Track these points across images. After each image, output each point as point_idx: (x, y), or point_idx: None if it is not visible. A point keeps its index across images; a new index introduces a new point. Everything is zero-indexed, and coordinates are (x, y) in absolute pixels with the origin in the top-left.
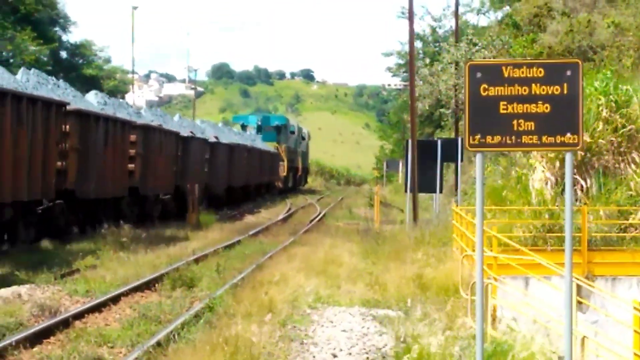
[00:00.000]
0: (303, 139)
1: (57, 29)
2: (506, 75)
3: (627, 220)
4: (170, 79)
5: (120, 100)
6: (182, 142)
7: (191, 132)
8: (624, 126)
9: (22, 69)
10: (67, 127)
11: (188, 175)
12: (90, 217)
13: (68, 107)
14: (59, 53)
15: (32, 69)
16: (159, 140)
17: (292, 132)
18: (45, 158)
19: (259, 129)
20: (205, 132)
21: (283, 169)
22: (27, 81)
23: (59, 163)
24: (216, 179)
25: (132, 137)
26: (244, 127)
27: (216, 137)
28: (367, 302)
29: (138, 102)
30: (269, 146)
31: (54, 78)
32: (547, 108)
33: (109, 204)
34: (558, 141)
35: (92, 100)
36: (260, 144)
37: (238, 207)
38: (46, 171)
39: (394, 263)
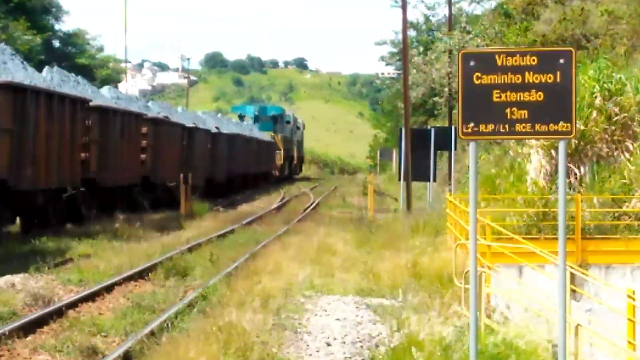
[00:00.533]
0: (298, 128)
1: (49, 18)
2: (499, 63)
3: (621, 208)
4: (163, 68)
5: (130, 94)
6: (187, 133)
7: (194, 123)
8: (617, 115)
9: (46, 67)
10: (90, 121)
11: (192, 164)
12: (107, 203)
13: (91, 103)
14: (52, 42)
15: (55, 67)
16: (167, 131)
17: (288, 122)
18: (72, 149)
19: (256, 119)
20: (206, 123)
21: (279, 158)
22: (51, 79)
23: (82, 154)
24: (217, 168)
25: (144, 129)
26: (241, 117)
27: (217, 128)
28: (361, 290)
29: (131, 91)
30: (266, 136)
31: (73, 75)
32: (540, 96)
33: (124, 191)
34: (551, 129)
35: (107, 95)
36: (257, 133)
37: (237, 195)
38: (73, 161)
39: (387, 252)
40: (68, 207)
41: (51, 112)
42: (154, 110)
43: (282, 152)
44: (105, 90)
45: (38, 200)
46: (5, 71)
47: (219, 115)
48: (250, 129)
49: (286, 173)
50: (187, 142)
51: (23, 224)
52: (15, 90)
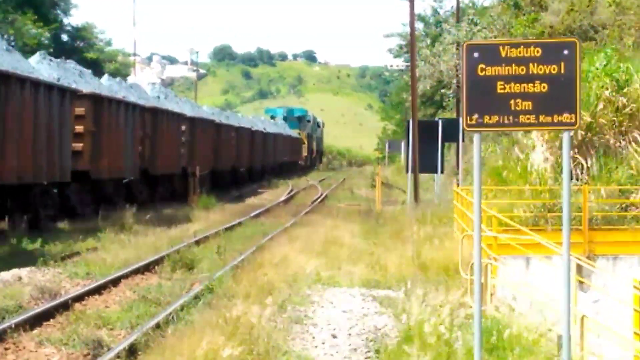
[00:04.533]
0: (318, 126)
1: (58, 11)
2: (503, 55)
3: (628, 199)
4: (172, 61)
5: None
6: (236, 132)
7: (252, 126)
8: (625, 105)
9: (105, 76)
10: (145, 121)
11: (222, 156)
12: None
13: (147, 105)
14: (60, 36)
15: (117, 78)
16: (226, 132)
17: (309, 121)
18: (132, 144)
19: (285, 119)
20: (256, 124)
21: (304, 150)
22: (110, 85)
23: (139, 147)
24: (256, 159)
25: (183, 127)
26: (272, 117)
27: (264, 128)
28: (368, 282)
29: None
30: (294, 133)
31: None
32: (544, 87)
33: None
34: (555, 121)
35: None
36: (289, 131)
37: (274, 178)
38: (133, 154)
39: (394, 243)
40: (127, 193)
41: (118, 115)
42: (216, 116)
43: (306, 145)
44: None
45: (108, 188)
46: (84, 82)
47: (262, 118)
48: (283, 128)
49: (309, 163)
50: (237, 140)
51: (96, 208)
52: (96, 99)
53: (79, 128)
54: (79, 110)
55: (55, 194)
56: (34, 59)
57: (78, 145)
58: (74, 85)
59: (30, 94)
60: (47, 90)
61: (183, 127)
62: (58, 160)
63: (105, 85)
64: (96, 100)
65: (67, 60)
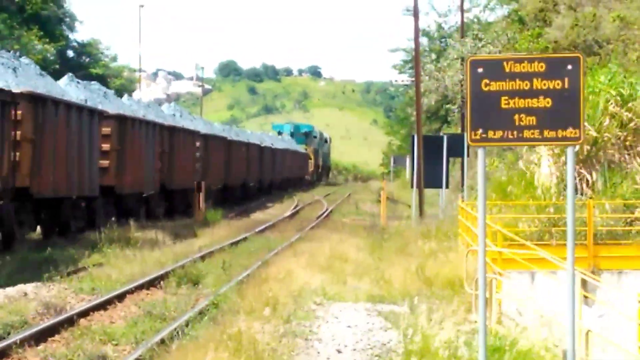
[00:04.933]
0: (326, 142)
1: (63, 27)
2: (507, 70)
3: (633, 213)
4: (177, 76)
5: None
6: (246, 148)
7: (260, 142)
8: (630, 120)
9: (125, 96)
10: (163, 138)
11: (233, 171)
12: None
13: (165, 124)
14: (66, 52)
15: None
16: (238, 148)
17: (315, 137)
18: (153, 161)
19: (292, 135)
20: (264, 141)
21: (311, 165)
22: (130, 104)
23: (159, 163)
24: (265, 174)
25: (198, 144)
26: (280, 133)
27: (272, 144)
28: (373, 297)
29: (145, 100)
30: (301, 148)
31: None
32: (548, 102)
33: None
34: (559, 135)
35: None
36: (296, 146)
37: (276, 194)
38: (153, 170)
39: (399, 258)
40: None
41: (140, 133)
42: (217, 129)
43: (312, 160)
44: (165, 107)
45: (129, 202)
46: (108, 102)
47: (270, 134)
48: (290, 143)
49: (315, 178)
50: (247, 155)
51: (118, 219)
52: (121, 119)
53: (105, 146)
54: (106, 130)
55: (84, 207)
56: (63, 82)
57: (104, 163)
58: (99, 106)
59: (64, 115)
60: (78, 112)
61: (197, 144)
62: (87, 176)
63: (127, 105)
64: (121, 120)
65: (92, 82)
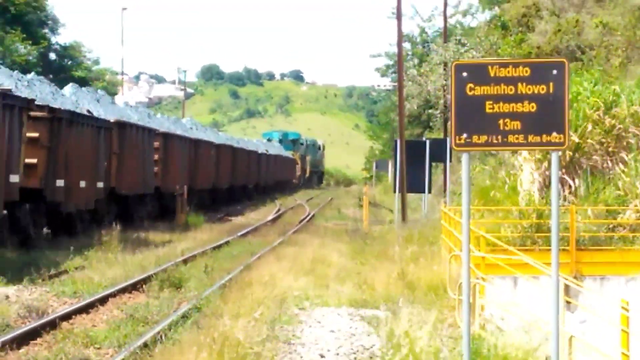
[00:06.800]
0: (319, 149)
1: (46, 30)
2: (492, 74)
3: (616, 219)
4: (160, 80)
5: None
6: (243, 154)
7: (256, 148)
8: (613, 126)
9: (123, 103)
10: (157, 143)
11: (238, 174)
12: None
13: (159, 130)
14: (48, 55)
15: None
16: (241, 154)
17: (302, 144)
18: (151, 165)
19: (280, 142)
20: (259, 147)
21: (298, 170)
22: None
23: (155, 168)
24: (261, 177)
25: (212, 152)
26: (269, 140)
27: (266, 150)
28: (355, 302)
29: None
30: (289, 154)
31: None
32: (533, 107)
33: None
34: (544, 140)
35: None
36: (284, 152)
37: (269, 195)
38: (148, 174)
39: (382, 263)
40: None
41: (137, 139)
42: (223, 138)
43: (299, 165)
44: (186, 121)
45: (129, 203)
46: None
47: (265, 141)
48: (279, 149)
49: (301, 182)
50: (238, 159)
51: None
52: (121, 125)
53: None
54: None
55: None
56: (67, 91)
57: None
58: (103, 115)
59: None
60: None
61: (212, 152)
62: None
63: (123, 111)
64: (120, 126)
65: (98, 90)
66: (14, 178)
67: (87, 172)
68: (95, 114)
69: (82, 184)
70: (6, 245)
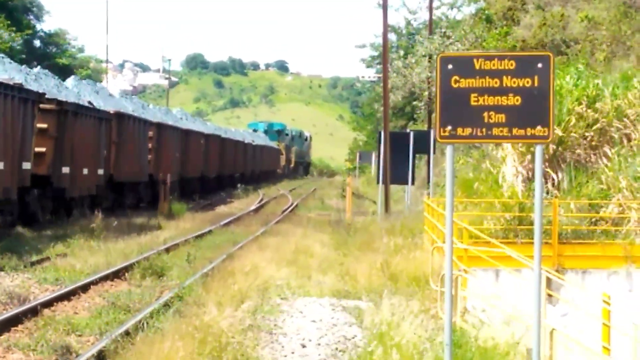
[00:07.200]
0: (305, 140)
1: (30, 17)
2: (477, 67)
3: (598, 213)
4: (144, 68)
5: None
6: (242, 145)
7: (243, 138)
8: (596, 120)
9: (119, 93)
10: (152, 133)
11: (226, 164)
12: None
13: (155, 121)
14: (33, 42)
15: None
16: (229, 145)
17: (287, 135)
18: (146, 154)
19: (266, 132)
20: (246, 137)
21: (282, 160)
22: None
23: (149, 157)
24: (247, 166)
25: (202, 142)
26: (255, 130)
27: (252, 140)
28: (338, 292)
29: (112, 91)
30: (274, 144)
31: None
32: (517, 100)
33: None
34: (528, 134)
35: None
36: (269, 142)
37: (254, 184)
38: (144, 162)
39: (364, 254)
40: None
41: (134, 129)
42: (211, 128)
43: (284, 156)
44: (176, 111)
45: (125, 189)
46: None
47: (251, 131)
48: (265, 139)
49: (286, 172)
50: (222, 148)
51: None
52: (120, 116)
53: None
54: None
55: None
56: (70, 83)
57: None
58: (102, 106)
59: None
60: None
61: (202, 141)
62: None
63: (120, 102)
64: (119, 117)
65: (97, 83)
66: (27, 165)
67: (89, 160)
68: (96, 105)
69: (85, 171)
70: None
